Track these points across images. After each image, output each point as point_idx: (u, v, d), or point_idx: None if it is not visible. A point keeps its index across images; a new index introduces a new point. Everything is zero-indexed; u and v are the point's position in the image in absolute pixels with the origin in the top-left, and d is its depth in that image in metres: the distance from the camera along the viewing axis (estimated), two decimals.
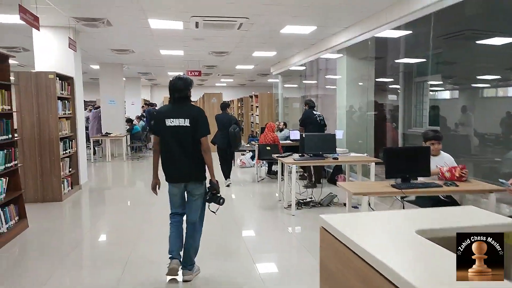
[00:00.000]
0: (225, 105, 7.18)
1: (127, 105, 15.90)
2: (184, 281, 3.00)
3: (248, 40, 7.68)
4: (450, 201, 3.44)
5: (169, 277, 3.01)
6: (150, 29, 6.62)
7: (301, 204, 5.31)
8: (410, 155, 3.35)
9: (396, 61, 8.64)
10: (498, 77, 6.63)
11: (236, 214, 5.16)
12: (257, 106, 13.16)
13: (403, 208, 3.40)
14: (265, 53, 9.34)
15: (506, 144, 5.68)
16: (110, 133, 10.49)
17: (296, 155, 5.39)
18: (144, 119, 13.21)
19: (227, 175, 6.74)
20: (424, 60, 8.24)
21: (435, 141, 3.56)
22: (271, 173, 7.63)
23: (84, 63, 11.22)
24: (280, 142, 7.35)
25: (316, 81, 11.51)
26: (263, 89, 16.38)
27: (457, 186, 3.18)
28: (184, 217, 3.11)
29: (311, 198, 5.54)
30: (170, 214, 3.14)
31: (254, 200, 6.13)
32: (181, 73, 3.44)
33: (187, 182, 2.99)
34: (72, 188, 6.17)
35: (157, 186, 3.11)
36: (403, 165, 3.28)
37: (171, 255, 3.00)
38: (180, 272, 3.01)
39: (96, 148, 11.19)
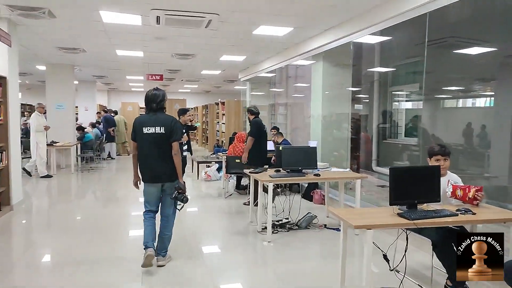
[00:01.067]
0: (178, 112, 6.46)
1: (80, 110, 14.58)
2: (158, 266, 3.41)
3: (216, 42, 6.97)
4: (459, 230, 2.90)
5: (144, 269, 3.30)
6: (102, 24, 5.73)
7: (276, 226, 4.63)
8: (419, 177, 2.77)
9: (370, 69, 8.30)
10: (478, 86, 6.40)
11: (200, 240, 4.37)
12: (223, 114, 12.43)
13: (407, 240, 2.81)
14: (234, 57, 8.67)
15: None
16: (56, 142, 9.29)
17: (271, 171, 4.72)
18: (101, 126, 12.06)
19: None
20: (399, 69, 7.96)
21: (441, 157, 3.03)
22: (240, 188, 6.91)
23: (28, 63, 9.97)
24: None
25: (285, 89, 11.05)
26: (229, 96, 15.70)
27: (474, 214, 2.64)
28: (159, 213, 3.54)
29: (288, 219, 4.88)
30: (144, 212, 3.50)
31: (221, 221, 5.33)
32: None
33: (163, 182, 3.38)
34: (0, 210, 5.09)
35: (138, 183, 3.57)
36: (410, 188, 2.70)
37: (146, 245, 3.33)
38: (154, 260, 3.38)
39: None
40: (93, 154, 9.56)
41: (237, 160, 6.21)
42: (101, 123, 12.08)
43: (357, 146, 8.18)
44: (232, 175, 6.95)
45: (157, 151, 3.31)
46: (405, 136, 7.76)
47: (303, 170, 4.52)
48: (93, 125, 11.60)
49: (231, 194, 6.69)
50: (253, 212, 5.00)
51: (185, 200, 3.33)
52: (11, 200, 5.38)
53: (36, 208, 6.02)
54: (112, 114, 12.63)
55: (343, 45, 5.97)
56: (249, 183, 5.82)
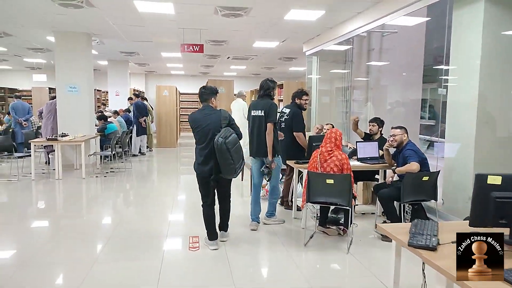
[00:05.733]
0: (209, 92, 3.50)
1: (110, 96, 12.51)
2: (264, 223, 4.20)
3: None
4: None
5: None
6: None
7: None
8: None
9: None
10: None
11: None
12: (280, 100, 9.61)
13: None
14: (306, 12, 5.77)
15: None
16: (65, 135, 7.05)
17: (457, 225, 1.83)
18: (132, 113, 9.77)
19: (211, 231, 3.56)
20: None
21: None
22: (326, 225, 4.08)
23: (32, 31, 7.56)
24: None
25: (364, 67, 8.11)
26: (284, 80, 12.83)
27: None
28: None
29: None
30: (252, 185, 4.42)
31: None
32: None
33: (260, 157, 4.02)
34: None
35: None
36: None
37: (252, 218, 4.13)
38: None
39: (49, 156, 7.77)
40: (111, 151, 7.17)
41: (329, 181, 3.39)
42: (133, 112, 9.74)
43: None
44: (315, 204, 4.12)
45: (258, 130, 3.97)
46: None
47: None
48: (116, 113, 9.32)
49: (312, 236, 3.88)
50: None
51: (267, 176, 3.95)
52: None
53: None
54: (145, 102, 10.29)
55: None
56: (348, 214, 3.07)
